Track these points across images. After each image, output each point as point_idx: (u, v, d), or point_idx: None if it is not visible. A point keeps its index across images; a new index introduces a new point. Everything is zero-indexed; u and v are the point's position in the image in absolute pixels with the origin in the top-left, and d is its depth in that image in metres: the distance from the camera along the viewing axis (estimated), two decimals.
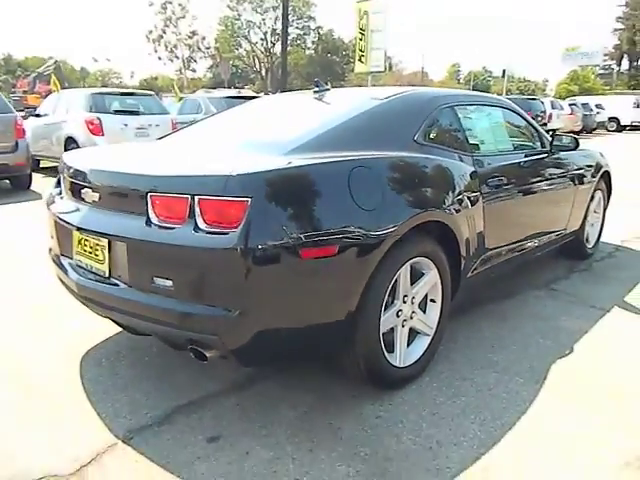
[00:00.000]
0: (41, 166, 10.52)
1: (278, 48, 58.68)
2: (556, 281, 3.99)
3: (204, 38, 58.69)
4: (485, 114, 3.33)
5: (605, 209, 4.79)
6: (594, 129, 25.32)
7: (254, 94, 15.14)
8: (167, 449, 2.03)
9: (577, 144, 3.65)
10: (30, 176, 8.41)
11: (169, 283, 1.92)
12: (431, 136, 2.70)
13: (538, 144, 3.64)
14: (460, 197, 2.59)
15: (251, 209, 1.79)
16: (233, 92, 20.68)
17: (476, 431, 2.13)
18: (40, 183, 8.77)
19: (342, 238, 1.98)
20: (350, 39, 67.16)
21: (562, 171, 3.72)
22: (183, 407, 2.31)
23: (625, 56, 47.30)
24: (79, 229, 2.25)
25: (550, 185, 3.54)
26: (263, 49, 58.19)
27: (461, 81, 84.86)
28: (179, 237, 1.88)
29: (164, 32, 56.49)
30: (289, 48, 56.37)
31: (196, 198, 1.86)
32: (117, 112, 9.35)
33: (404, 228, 2.18)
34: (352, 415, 2.23)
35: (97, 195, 2.17)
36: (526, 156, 3.41)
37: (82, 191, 2.25)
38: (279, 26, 56.87)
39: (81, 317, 3.24)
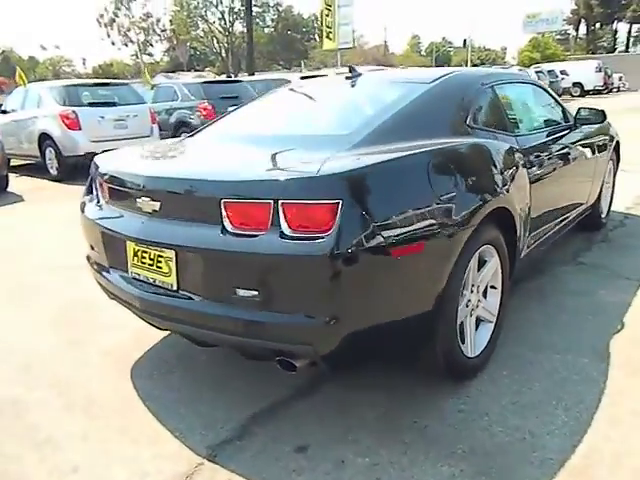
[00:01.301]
0: (11, 164, 10.01)
1: (237, 27, 57.32)
2: (580, 254, 4.03)
3: (159, 20, 56.73)
4: (518, 91, 3.28)
5: (614, 178, 4.86)
6: (560, 95, 25.77)
7: (235, 79, 14.66)
8: (257, 464, 1.95)
9: (604, 117, 3.65)
10: (7, 177, 8.01)
11: (254, 294, 1.81)
12: (480, 119, 2.64)
13: (563, 119, 3.63)
14: (515, 180, 2.55)
15: (342, 212, 1.70)
16: (210, 77, 20.11)
17: (563, 417, 2.12)
18: (15, 183, 8.37)
19: (428, 233, 1.93)
20: (310, 15, 66.15)
21: (585, 144, 3.72)
22: (257, 417, 2.22)
23: (582, 20, 48.07)
24: (137, 241, 2.10)
25: (576, 159, 3.54)
26: (222, 29, 56.67)
27: (422, 53, 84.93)
28: (264, 245, 1.77)
29: (116, 15, 54.36)
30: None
31: (280, 203, 1.75)
32: (92, 104, 8.94)
33: (479, 217, 2.14)
34: (433, 411, 2.20)
35: (157, 204, 2.03)
36: (555, 132, 3.39)
37: (137, 200, 2.10)
38: (237, 4, 55.47)
39: (112, 325, 3.13)
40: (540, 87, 3.50)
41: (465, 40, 54.33)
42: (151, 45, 59.74)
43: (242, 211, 1.84)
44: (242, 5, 55.90)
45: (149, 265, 2.11)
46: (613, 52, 46.80)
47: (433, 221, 1.95)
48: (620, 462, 1.89)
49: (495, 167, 2.40)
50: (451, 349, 2.19)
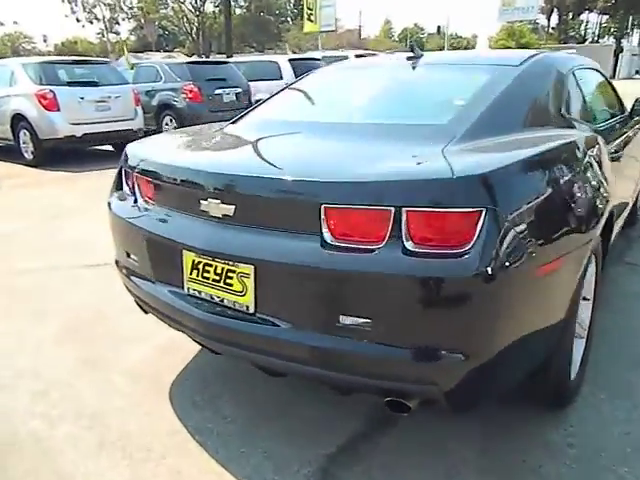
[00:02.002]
0: None
1: (208, 7, 55.60)
2: (625, 253, 3.81)
3: None
4: (589, 78, 2.98)
5: None
6: None
7: (222, 59, 13.98)
8: None
9: None
10: None
11: (364, 322, 1.47)
12: (571, 108, 2.34)
13: (619, 108, 3.37)
14: (611, 178, 2.27)
15: (485, 222, 1.37)
16: (180, 58, 19.16)
17: None
18: None
19: (566, 243, 1.64)
20: None
21: (637, 134, 3.49)
22: (337, 457, 1.89)
23: (555, 10, 48.50)
24: (200, 251, 1.72)
25: (633, 149, 3.30)
26: (192, 8, 54.84)
27: (395, 38, 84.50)
28: (381, 263, 1.42)
29: None
30: (220, 8, 53.57)
31: (404, 211, 1.40)
32: (71, 84, 8.27)
33: (602, 220, 1.87)
34: (540, 447, 1.91)
35: (231, 208, 1.64)
36: (618, 122, 3.12)
37: (202, 202, 1.70)
38: None
39: (130, 338, 2.74)
40: (601, 74, 3.22)
41: (439, 27, 54.16)
42: (117, 23, 57.40)
43: (350, 220, 1.48)
44: None
45: (214, 281, 1.73)
46: (583, 42, 47.48)
47: (570, 229, 1.66)
48: None
49: (603, 164, 2.11)
50: (564, 371, 1.92)
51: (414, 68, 2.49)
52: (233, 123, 2.50)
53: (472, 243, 1.37)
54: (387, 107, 2.31)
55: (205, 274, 1.75)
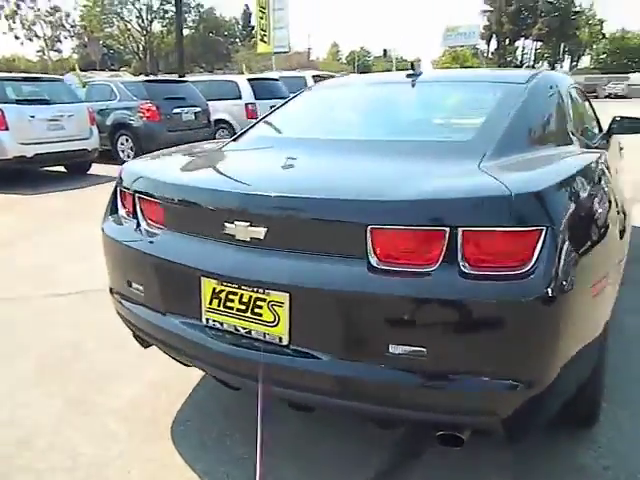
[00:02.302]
0: None
1: (156, 27, 55.00)
2: None
3: (68, 15, 53.17)
4: (579, 97, 3.04)
5: None
6: None
7: (180, 79, 13.68)
8: None
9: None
10: None
11: (417, 351, 1.36)
12: (575, 125, 2.35)
13: (598, 127, 3.47)
14: None
15: (546, 241, 1.30)
16: (126, 77, 18.69)
17: None
18: None
19: (611, 260, 1.62)
20: (231, 18, 64.99)
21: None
22: None
23: (494, 36, 51.13)
24: (224, 279, 1.57)
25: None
26: (139, 27, 54.06)
27: (343, 61, 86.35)
28: (436, 287, 1.33)
29: (18, 7, 50.16)
30: (168, 27, 53.00)
31: (459, 231, 1.31)
32: (20, 101, 7.82)
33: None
34: (576, 471, 1.84)
35: (261, 231, 1.50)
36: (601, 138, 3.20)
37: (226, 224, 1.56)
38: (155, 3, 53.22)
39: (115, 374, 2.51)
40: (583, 92, 3.31)
41: (385, 50, 55.87)
42: (59, 41, 55.72)
43: (399, 242, 1.38)
44: (161, 4, 53.80)
45: (239, 311, 1.58)
46: (521, 67, 50.18)
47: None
48: None
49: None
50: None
51: (421, 85, 2.44)
52: (235, 140, 2.35)
53: (532, 263, 1.30)
54: (405, 124, 2.25)
55: (228, 303, 1.59)
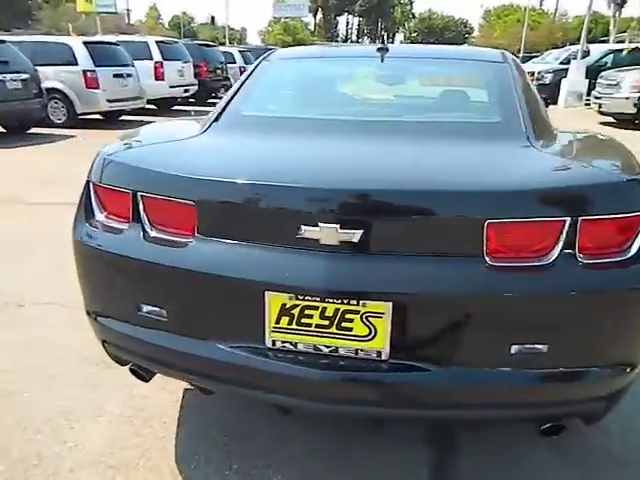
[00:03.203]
0: None
1: None
2: None
3: None
4: None
5: None
6: None
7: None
8: None
9: None
10: None
11: (539, 348, 1.30)
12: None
13: None
14: None
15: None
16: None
17: None
18: None
19: None
20: None
21: None
22: None
23: (320, 10, 52.52)
24: (307, 291, 1.31)
25: None
26: None
27: (166, 26, 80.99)
28: (558, 281, 1.28)
29: None
30: None
31: (578, 221, 1.27)
32: None
33: None
34: None
35: (357, 233, 1.27)
36: None
37: (304, 228, 1.29)
38: None
39: (78, 416, 2.04)
40: None
41: (213, 17, 53.90)
42: None
43: (518, 235, 1.29)
44: None
45: (320, 327, 1.34)
46: (346, 41, 52.64)
47: None
48: None
49: None
50: None
51: (407, 62, 2.31)
52: (217, 120, 1.95)
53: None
54: (415, 103, 2.11)
55: (304, 320, 1.34)
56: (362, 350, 1.34)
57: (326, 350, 1.36)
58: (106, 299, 1.60)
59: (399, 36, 67.70)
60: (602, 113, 11.22)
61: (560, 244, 1.29)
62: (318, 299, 1.32)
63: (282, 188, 1.35)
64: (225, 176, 1.40)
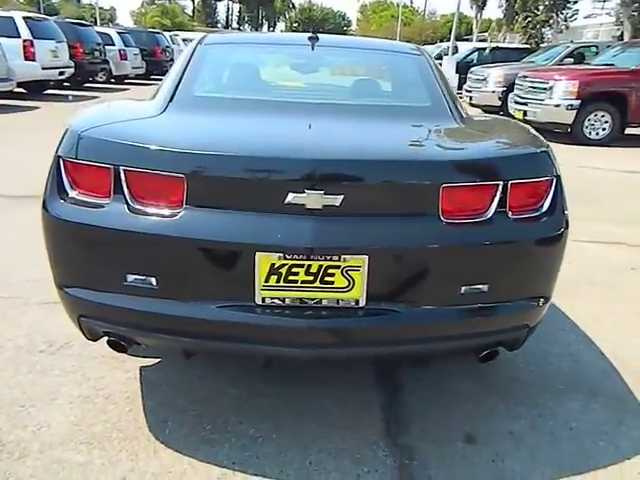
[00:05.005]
0: None
1: None
2: None
3: None
4: None
5: None
6: None
7: None
8: None
9: None
10: None
11: (481, 288, 1.62)
12: None
13: None
14: None
15: (555, 187, 1.71)
16: None
17: None
18: None
19: None
20: None
21: None
22: (389, 430, 1.96)
23: None
24: (296, 250, 1.48)
25: None
26: None
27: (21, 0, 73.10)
28: (492, 233, 1.60)
29: None
30: None
31: (509, 184, 1.60)
32: None
33: None
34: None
35: (338, 198, 1.46)
36: None
37: (291, 194, 1.45)
38: None
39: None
40: None
41: None
42: None
43: (464, 197, 1.58)
44: None
45: (305, 283, 1.53)
46: (227, 28, 51.66)
47: None
48: None
49: None
50: None
51: (336, 51, 2.53)
52: (171, 101, 2.00)
53: (547, 206, 1.69)
54: (353, 88, 2.34)
55: (291, 277, 1.52)
56: (342, 300, 1.56)
57: (311, 302, 1.55)
58: (87, 272, 1.63)
59: (280, 25, 68.08)
60: (473, 105, 12.46)
61: (495, 203, 1.61)
62: (304, 257, 1.51)
63: (272, 159, 1.52)
64: (216, 150, 1.52)
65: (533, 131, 1.98)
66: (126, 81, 17.48)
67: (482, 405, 2.12)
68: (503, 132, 1.99)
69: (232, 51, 2.61)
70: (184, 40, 23.62)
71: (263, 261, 1.51)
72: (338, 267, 1.53)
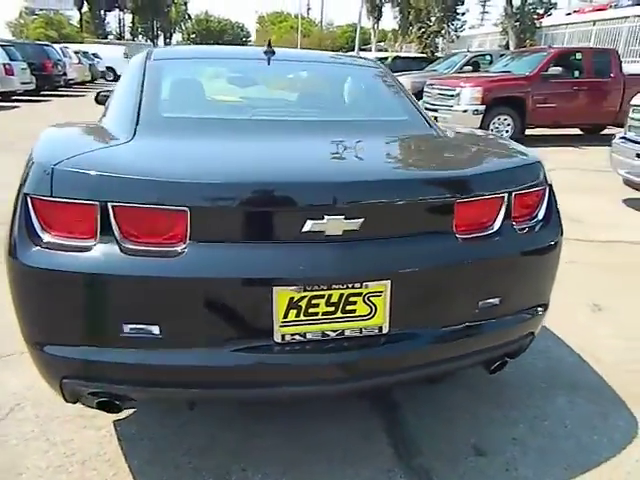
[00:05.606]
0: None
1: None
2: None
3: None
4: None
5: None
6: (95, 79, 25.54)
7: None
8: None
9: None
10: None
11: (497, 301, 1.61)
12: None
13: None
14: None
15: (551, 196, 1.76)
16: None
17: None
18: None
19: None
20: None
21: None
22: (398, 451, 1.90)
23: (85, 3, 47.96)
24: (316, 280, 1.37)
25: None
26: None
27: None
28: (503, 246, 1.60)
29: None
30: None
31: (513, 195, 1.61)
32: None
33: None
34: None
35: (358, 221, 1.37)
36: None
37: (310, 222, 1.33)
38: None
39: None
40: None
41: None
42: None
43: (473, 212, 1.56)
44: None
45: (326, 314, 1.42)
46: (121, 39, 49.29)
47: None
48: None
49: None
50: None
51: (297, 65, 2.44)
52: (138, 124, 1.78)
53: (540, 212, 1.73)
54: (325, 104, 2.26)
55: (311, 309, 1.41)
56: (365, 328, 1.47)
57: (333, 334, 1.45)
58: (71, 327, 1.39)
59: (176, 36, 66.28)
60: None
61: (501, 215, 1.61)
62: (325, 287, 1.40)
63: (290, 185, 1.39)
64: (224, 178, 1.37)
65: (515, 143, 2.04)
66: (14, 98, 15.99)
67: (480, 414, 2.13)
68: (488, 143, 2.02)
69: (189, 67, 2.42)
70: (76, 53, 22.26)
71: (281, 296, 1.38)
72: (360, 294, 1.44)
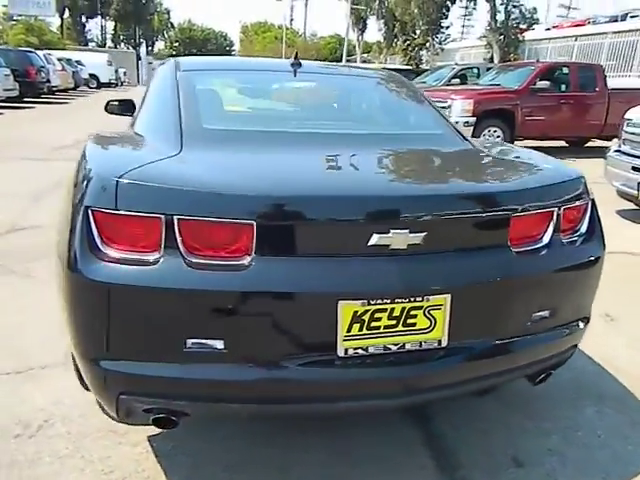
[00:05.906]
0: None
1: None
2: None
3: None
4: None
5: None
6: (77, 87, 25.28)
7: None
8: None
9: None
10: None
11: (548, 313, 1.63)
12: None
13: None
14: None
15: (591, 209, 1.79)
16: None
17: None
18: None
19: None
20: None
21: None
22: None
23: (67, 10, 47.51)
24: (381, 295, 1.37)
25: None
26: None
27: None
28: (555, 257, 1.63)
29: None
30: None
31: (562, 209, 1.64)
32: None
33: None
34: None
35: (420, 235, 1.38)
36: None
37: (376, 235, 1.33)
38: None
39: None
40: None
41: None
42: None
43: (526, 225, 1.58)
44: None
45: (388, 328, 1.42)
46: (104, 46, 48.88)
47: None
48: None
49: None
50: None
51: (331, 79, 2.46)
52: (182, 136, 1.75)
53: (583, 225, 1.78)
54: (358, 116, 2.28)
55: (374, 323, 1.41)
56: (425, 342, 1.47)
57: (394, 348, 1.45)
58: (133, 342, 1.36)
59: (159, 44, 66.05)
60: None
61: (551, 229, 1.64)
62: (388, 301, 1.40)
63: (359, 199, 1.40)
64: (292, 192, 1.37)
65: (541, 154, 2.09)
66: None
67: (512, 425, 2.14)
68: (525, 158, 2.05)
69: (220, 78, 2.41)
70: (60, 60, 21.99)
71: (346, 310, 1.38)
72: (421, 307, 1.44)
